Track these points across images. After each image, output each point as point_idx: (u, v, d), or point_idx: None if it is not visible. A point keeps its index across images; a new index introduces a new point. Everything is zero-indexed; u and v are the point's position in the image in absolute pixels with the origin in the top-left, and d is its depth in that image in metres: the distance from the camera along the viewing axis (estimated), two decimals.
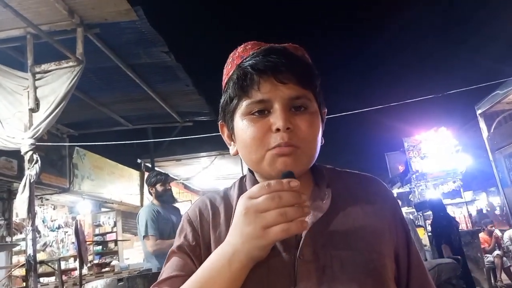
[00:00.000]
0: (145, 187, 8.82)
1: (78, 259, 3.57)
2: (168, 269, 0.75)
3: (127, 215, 10.48)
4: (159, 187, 3.68)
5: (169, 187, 3.74)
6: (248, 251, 0.63)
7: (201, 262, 0.72)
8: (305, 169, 0.77)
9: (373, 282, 0.69)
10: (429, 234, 6.34)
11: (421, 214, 7.92)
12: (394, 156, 13.08)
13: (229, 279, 0.65)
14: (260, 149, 0.72)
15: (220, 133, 0.84)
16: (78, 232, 3.23)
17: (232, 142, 0.81)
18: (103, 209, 10.15)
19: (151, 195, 3.78)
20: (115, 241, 9.76)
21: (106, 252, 9.62)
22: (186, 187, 12.25)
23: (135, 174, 10.13)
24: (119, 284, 1.85)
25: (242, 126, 0.74)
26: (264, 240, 0.61)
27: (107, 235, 9.85)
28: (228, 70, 0.79)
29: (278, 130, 0.70)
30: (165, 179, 3.73)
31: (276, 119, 0.71)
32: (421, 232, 6.42)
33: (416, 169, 9.78)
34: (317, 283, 0.68)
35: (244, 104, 0.74)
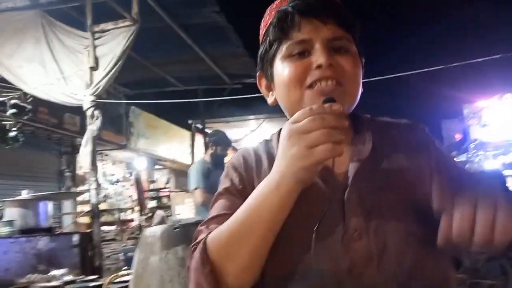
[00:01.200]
0: (196, 146, 9.12)
1: (138, 206, 3.82)
2: (214, 210, 0.77)
3: (179, 173, 10.97)
4: (219, 149, 3.77)
5: (226, 154, 3.82)
6: (294, 173, 0.61)
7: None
8: (348, 111, 0.75)
9: (422, 224, 0.68)
10: None
11: None
12: (450, 123, 12.40)
13: (278, 203, 0.64)
14: (299, 87, 0.72)
15: (258, 86, 0.84)
16: (138, 182, 3.45)
17: (270, 92, 0.81)
18: (157, 167, 10.69)
19: (207, 150, 3.89)
20: (169, 194, 10.31)
21: (160, 207, 10.21)
22: (234, 149, 12.51)
23: (186, 134, 10.47)
24: (175, 230, 1.98)
25: (282, 68, 0.74)
26: (309, 160, 0.59)
27: (161, 190, 10.43)
28: (266, 21, 0.79)
29: (319, 67, 0.70)
30: (227, 145, 3.81)
31: (318, 57, 0.70)
32: None
33: (475, 138, 9.25)
34: (364, 222, 0.68)
35: (284, 46, 0.74)
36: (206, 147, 3.90)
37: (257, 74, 0.83)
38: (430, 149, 0.77)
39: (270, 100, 0.81)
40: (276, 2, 0.79)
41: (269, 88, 0.81)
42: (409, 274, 0.66)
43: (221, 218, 0.72)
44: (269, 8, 0.80)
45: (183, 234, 2.00)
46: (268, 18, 0.78)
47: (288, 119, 0.80)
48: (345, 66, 0.72)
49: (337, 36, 0.72)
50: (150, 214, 7.30)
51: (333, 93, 0.70)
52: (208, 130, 9.06)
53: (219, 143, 3.78)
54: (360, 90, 0.76)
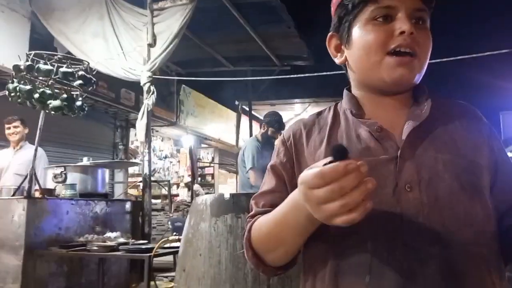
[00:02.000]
0: (241, 127, 9.25)
1: (191, 175, 3.99)
2: (264, 185, 0.84)
3: (223, 153, 11.21)
4: (271, 131, 3.83)
5: (276, 137, 3.86)
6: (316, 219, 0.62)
7: (292, 177, 0.80)
8: (416, 82, 0.79)
9: (473, 185, 0.73)
10: None
11: None
12: (510, 115, 11.67)
13: (306, 228, 0.69)
14: (380, 51, 0.75)
15: (327, 45, 0.87)
16: (192, 153, 3.60)
17: (339, 53, 0.84)
18: (202, 145, 10.97)
19: (261, 129, 3.95)
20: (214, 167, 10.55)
21: (204, 184, 10.52)
22: None
23: (232, 115, 10.63)
24: (225, 199, 2.06)
25: (364, 30, 0.77)
26: (330, 223, 0.59)
27: (205, 169, 10.72)
28: None
29: (402, 33, 0.73)
30: (280, 128, 3.84)
31: (402, 24, 0.74)
32: None
33: None
34: (416, 176, 0.72)
35: (369, 9, 0.76)
36: (261, 127, 3.96)
37: (329, 34, 0.86)
38: (485, 127, 0.81)
39: (338, 60, 0.85)
40: None
41: (339, 49, 0.84)
42: (458, 224, 0.70)
43: (267, 197, 0.81)
44: None
45: (232, 203, 2.08)
46: None
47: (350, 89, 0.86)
48: (422, 37, 0.76)
49: (420, 7, 0.75)
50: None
51: (409, 64, 0.74)
52: (254, 112, 9.16)
53: (272, 124, 3.83)
54: (427, 64, 0.79)
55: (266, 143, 3.81)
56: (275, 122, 3.86)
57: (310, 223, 0.66)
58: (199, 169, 10.72)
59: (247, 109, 9.48)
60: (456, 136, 0.76)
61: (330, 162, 0.56)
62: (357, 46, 0.79)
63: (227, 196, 2.14)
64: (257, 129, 6.75)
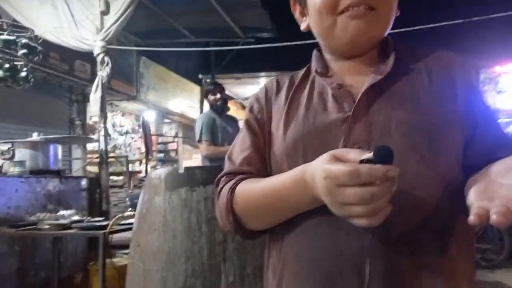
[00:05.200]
0: (205, 101, 9.13)
1: (144, 149, 3.89)
2: (239, 142, 0.83)
3: (188, 128, 11.01)
4: (210, 96, 3.81)
5: (220, 96, 3.82)
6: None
7: (264, 132, 0.81)
8: (380, 37, 0.75)
9: (428, 144, 0.67)
10: None
11: None
12: None
13: (305, 205, 0.67)
14: (331, 13, 0.71)
15: (292, 11, 0.84)
16: (144, 126, 3.48)
17: (304, 18, 0.81)
18: (165, 120, 10.72)
19: (208, 103, 3.93)
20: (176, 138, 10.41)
21: (168, 160, 10.36)
22: (244, 106, 12.46)
23: (196, 89, 10.41)
24: (180, 173, 2.00)
25: None
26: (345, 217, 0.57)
27: (169, 144, 10.53)
28: None
29: None
30: (214, 88, 3.84)
31: None
32: None
33: (489, 104, 9.06)
34: (366, 136, 0.69)
35: None
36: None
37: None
38: (462, 75, 0.74)
39: (303, 26, 0.82)
40: None
41: (303, 13, 0.81)
42: (406, 186, 0.65)
43: (244, 154, 0.80)
44: None
45: (187, 177, 2.02)
46: None
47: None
48: None
49: None
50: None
51: (364, 17, 0.69)
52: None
53: (207, 92, 3.86)
54: (394, 14, 0.74)
55: (215, 110, 3.82)
56: (209, 87, 3.92)
57: (313, 204, 0.64)
58: (162, 145, 10.52)
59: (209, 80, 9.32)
60: (420, 90, 0.71)
61: (366, 161, 0.51)
62: (311, 11, 0.76)
63: (181, 169, 2.08)
64: None
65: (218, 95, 3.79)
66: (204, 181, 2.08)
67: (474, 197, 0.55)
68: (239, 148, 0.82)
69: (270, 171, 0.79)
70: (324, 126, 0.71)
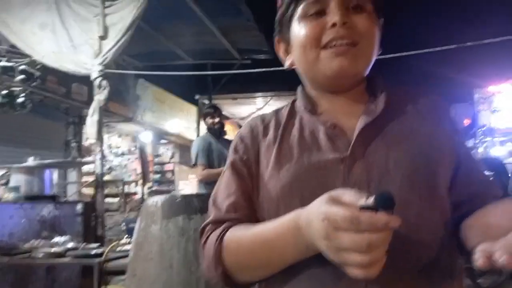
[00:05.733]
0: (202, 122, 9.15)
1: (142, 176, 3.86)
2: (223, 186, 0.78)
3: (184, 148, 11.00)
4: (208, 120, 3.81)
5: (218, 120, 3.81)
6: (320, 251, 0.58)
7: (252, 174, 0.76)
8: (363, 73, 0.75)
9: (426, 184, 0.68)
10: None
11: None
12: (460, 108, 12.22)
13: (298, 255, 0.63)
14: (315, 47, 0.72)
15: (276, 51, 0.84)
16: (142, 152, 3.46)
17: (288, 56, 0.81)
18: (162, 141, 10.72)
19: (205, 126, 3.94)
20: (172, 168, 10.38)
21: (164, 181, 10.31)
22: (240, 126, 12.51)
23: (193, 109, 10.46)
24: (177, 200, 1.98)
25: (299, 28, 0.74)
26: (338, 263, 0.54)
27: (165, 165, 10.50)
28: None
29: (334, 25, 0.69)
30: (213, 111, 3.84)
31: (333, 15, 0.70)
32: None
33: (483, 124, 9.13)
34: (366, 176, 0.68)
35: (300, 7, 0.73)
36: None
37: (275, 39, 0.83)
38: (447, 118, 0.76)
39: (287, 63, 0.82)
40: None
41: (287, 51, 0.81)
42: (410, 226, 0.65)
43: (230, 199, 0.75)
44: None
45: (184, 205, 2.00)
46: None
47: (301, 89, 0.82)
48: (359, 24, 0.71)
49: None
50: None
51: (347, 54, 0.69)
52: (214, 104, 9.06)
53: (205, 115, 3.85)
54: (376, 50, 0.75)
55: (213, 134, 3.80)
56: (208, 110, 3.90)
57: (307, 253, 0.60)
58: (159, 166, 10.49)
59: (208, 102, 9.36)
60: (412, 130, 0.72)
61: (368, 207, 0.49)
62: (295, 45, 0.76)
63: (178, 197, 2.06)
64: None
65: (216, 119, 3.79)
66: (202, 209, 2.06)
67: (476, 240, 0.55)
68: (225, 193, 0.77)
69: (261, 215, 0.75)
70: (320, 167, 0.70)
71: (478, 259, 0.48)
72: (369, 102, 0.75)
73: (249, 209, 0.75)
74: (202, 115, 3.98)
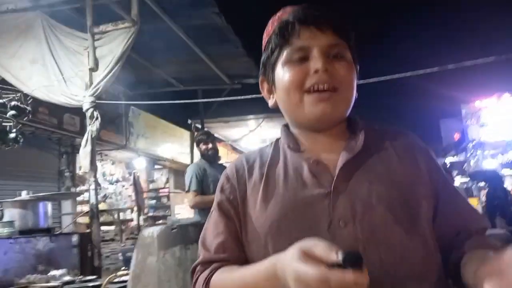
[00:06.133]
0: (195, 146, 9.17)
1: (136, 207, 3.85)
2: (211, 227, 0.81)
3: (178, 173, 10.97)
4: (202, 146, 3.82)
5: (211, 146, 3.83)
6: None
7: (239, 214, 0.79)
8: (343, 116, 0.81)
9: (408, 217, 0.72)
10: (483, 205, 6.12)
11: (475, 184, 7.62)
12: (449, 123, 12.42)
13: None
14: (299, 90, 0.77)
15: (260, 89, 0.89)
16: (136, 183, 3.47)
17: (271, 95, 0.86)
18: (156, 166, 10.70)
19: (199, 153, 3.96)
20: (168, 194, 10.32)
21: (159, 206, 10.24)
22: (234, 148, 12.52)
23: (186, 134, 10.49)
24: (173, 231, 2.00)
25: (283, 73, 0.79)
26: None
27: (160, 190, 10.45)
28: (268, 32, 0.84)
29: (316, 72, 0.75)
30: (207, 138, 3.86)
31: (315, 62, 0.75)
32: (474, 203, 6.21)
33: (473, 138, 9.27)
34: (350, 211, 0.71)
35: (285, 52, 0.79)
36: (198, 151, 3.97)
37: (260, 78, 0.88)
38: (423, 155, 0.81)
39: (270, 103, 0.86)
40: (278, 14, 0.84)
41: (270, 91, 0.86)
42: (394, 258, 0.69)
43: (218, 239, 0.78)
44: (271, 19, 0.85)
45: (181, 235, 2.02)
46: (270, 28, 0.84)
47: (286, 123, 0.87)
48: (340, 71, 0.77)
49: (333, 43, 0.77)
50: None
51: (329, 101, 0.75)
52: (207, 130, 9.11)
53: (199, 142, 3.86)
54: (355, 95, 0.80)
55: (208, 159, 3.81)
56: (201, 137, 3.91)
57: None
58: (154, 191, 10.44)
59: (201, 127, 9.41)
60: (391, 166, 0.77)
61: (338, 265, 0.51)
62: (279, 88, 0.81)
63: (174, 227, 2.08)
64: None
65: (210, 145, 3.81)
66: (198, 239, 2.09)
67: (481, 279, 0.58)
68: (213, 234, 0.79)
69: (249, 255, 0.77)
70: (306, 203, 0.73)
71: None
72: (349, 139, 0.80)
73: (238, 249, 0.78)
74: (195, 141, 4.00)
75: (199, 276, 0.77)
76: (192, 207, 3.64)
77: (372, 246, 0.69)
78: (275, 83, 0.82)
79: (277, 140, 0.88)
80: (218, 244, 0.78)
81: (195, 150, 8.97)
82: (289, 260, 0.57)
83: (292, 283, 0.56)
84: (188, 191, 3.65)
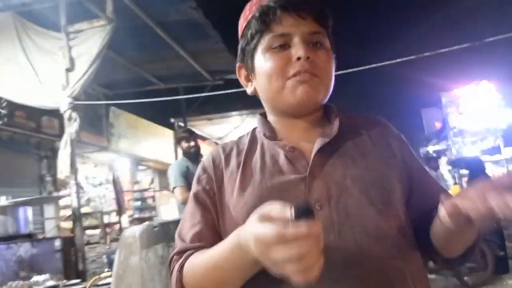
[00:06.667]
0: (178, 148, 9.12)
1: (117, 207, 3.80)
2: (188, 217, 0.81)
3: (163, 173, 10.86)
4: (183, 144, 3.80)
5: (193, 144, 3.81)
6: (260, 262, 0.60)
7: (215, 203, 0.80)
8: (322, 101, 0.82)
9: (382, 199, 0.74)
10: None
11: (457, 171, 7.75)
12: (430, 112, 12.61)
13: (245, 272, 0.67)
14: (281, 78, 0.77)
15: (237, 76, 0.89)
16: (115, 182, 3.42)
17: (250, 83, 0.86)
18: (140, 167, 10.58)
19: (180, 151, 3.93)
20: (154, 193, 10.22)
21: (145, 207, 10.13)
22: (215, 143, 12.49)
23: (169, 133, 10.39)
24: (155, 229, 1.97)
25: (264, 60, 0.79)
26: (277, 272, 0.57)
27: (145, 192, 10.33)
28: (246, 16, 0.84)
29: (298, 59, 0.76)
30: (188, 136, 3.84)
31: (297, 50, 0.76)
32: (456, 190, 6.32)
33: (454, 126, 9.44)
34: (326, 193, 0.73)
35: (266, 39, 0.79)
36: (180, 149, 3.95)
37: (237, 65, 0.88)
38: (396, 140, 0.84)
39: (249, 90, 0.86)
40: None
41: (248, 78, 0.86)
42: (369, 239, 0.70)
43: (194, 229, 0.78)
44: (249, 3, 0.85)
45: (163, 233, 2.00)
46: (248, 13, 0.84)
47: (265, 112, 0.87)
48: (321, 59, 0.78)
49: (315, 31, 0.78)
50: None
51: (310, 82, 0.76)
52: (191, 128, 9.04)
53: (180, 139, 3.87)
54: (332, 82, 0.82)
55: (190, 158, 3.79)
56: (182, 135, 3.91)
57: (256, 267, 0.63)
58: (139, 193, 10.32)
59: (183, 125, 9.32)
60: (365, 151, 0.78)
61: (291, 221, 0.53)
62: (260, 75, 0.81)
63: (156, 225, 2.05)
64: None
65: (192, 143, 3.79)
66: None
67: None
68: (189, 224, 0.79)
69: None
70: (282, 188, 0.74)
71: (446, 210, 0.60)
72: (324, 126, 0.81)
73: (213, 238, 0.77)
74: (176, 140, 3.97)
75: (175, 264, 0.77)
76: (183, 202, 3.60)
77: (347, 227, 0.70)
78: (255, 70, 0.82)
79: (254, 129, 0.89)
80: (194, 234, 0.78)
81: (179, 149, 8.93)
82: (248, 226, 0.59)
83: (253, 247, 0.57)
84: (174, 188, 3.61)
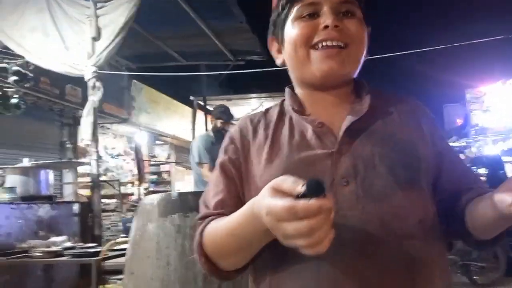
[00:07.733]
0: (198, 122, 9.15)
1: (138, 175, 3.88)
2: (212, 186, 0.83)
3: (180, 149, 11.02)
4: (219, 123, 3.78)
5: (227, 128, 3.81)
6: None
7: (241, 174, 0.81)
8: (350, 76, 0.81)
9: (409, 178, 0.74)
10: None
11: (476, 170, 7.63)
12: (452, 108, 12.33)
13: (260, 242, 0.69)
14: (305, 46, 0.77)
15: (269, 49, 0.89)
16: (137, 151, 3.49)
17: (280, 54, 0.86)
18: (158, 142, 10.72)
19: (211, 124, 3.90)
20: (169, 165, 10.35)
21: (160, 182, 10.31)
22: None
23: (188, 110, 10.46)
24: (173, 199, 2.01)
25: (292, 28, 0.79)
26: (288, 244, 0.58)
27: (161, 166, 10.50)
28: None
29: (326, 27, 0.75)
30: (228, 118, 3.81)
31: (325, 18, 0.76)
32: None
33: (476, 123, 9.23)
34: (353, 170, 0.73)
35: (295, 9, 0.79)
36: (211, 122, 3.91)
37: (269, 37, 0.88)
38: (427, 120, 0.83)
39: (279, 61, 0.87)
40: None
41: (280, 50, 0.86)
42: (392, 217, 0.70)
43: (218, 197, 0.80)
44: None
45: (180, 203, 2.03)
46: None
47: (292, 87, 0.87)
48: (350, 28, 0.77)
49: (344, 0, 0.77)
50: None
51: (336, 58, 0.75)
52: (209, 107, 9.07)
53: (220, 116, 3.80)
54: (364, 54, 0.80)
55: (218, 136, 3.77)
56: (222, 113, 3.84)
57: (269, 237, 0.64)
58: (155, 167, 10.49)
59: (203, 104, 9.36)
60: (395, 130, 0.78)
61: (302, 195, 0.54)
62: (287, 43, 0.81)
63: (174, 195, 2.09)
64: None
65: (228, 126, 3.76)
66: (197, 207, 2.10)
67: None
68: (213, 192, 0.81)
69: None
70: (309, 162, 0.75)
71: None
72: (355, 103, 0.81)
73: (236, 207, 0.77)
74: (215, 114, 3.88)
75: (197, 229, 0.79)
76: (207, 178, 3.63)
77: (371, 204, 0.71)
78: (284, 41, 0.82)
79: (282, 101, 0.89)
80: (217, 201, 0.80)
81: (197, 127, 8.97)
82: (261, 197, 0.60)
83: (264, 218, 0.58)
84: (200, 163, 3.62)
